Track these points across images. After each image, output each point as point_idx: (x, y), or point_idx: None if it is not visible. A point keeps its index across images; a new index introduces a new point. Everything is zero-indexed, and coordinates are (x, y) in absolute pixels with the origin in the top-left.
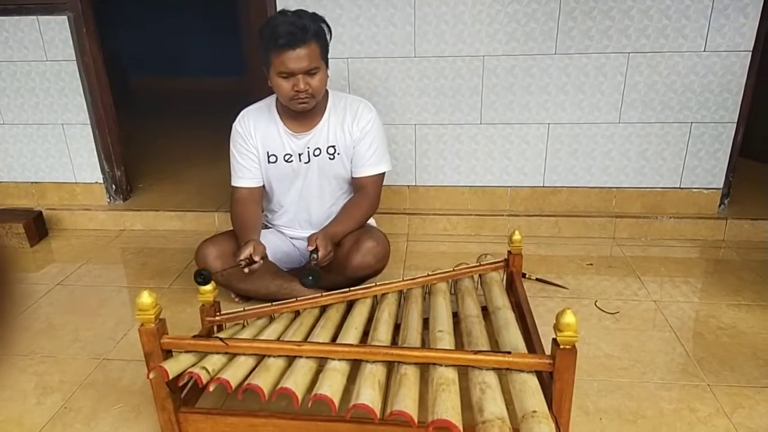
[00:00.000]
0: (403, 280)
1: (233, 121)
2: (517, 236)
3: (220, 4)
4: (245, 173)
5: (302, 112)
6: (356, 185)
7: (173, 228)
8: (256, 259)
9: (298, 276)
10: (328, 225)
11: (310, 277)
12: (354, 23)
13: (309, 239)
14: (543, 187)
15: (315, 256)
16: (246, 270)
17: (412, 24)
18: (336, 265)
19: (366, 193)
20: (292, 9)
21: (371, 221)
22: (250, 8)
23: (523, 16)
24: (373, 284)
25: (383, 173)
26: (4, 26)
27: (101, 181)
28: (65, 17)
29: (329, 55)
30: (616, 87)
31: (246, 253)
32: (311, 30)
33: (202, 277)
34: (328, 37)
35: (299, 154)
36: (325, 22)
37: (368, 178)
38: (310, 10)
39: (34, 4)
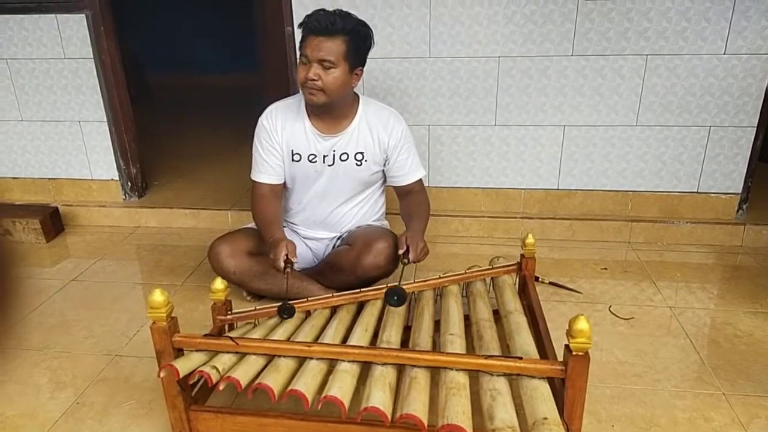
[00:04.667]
0: (415, 282)
1: (249, 118)
2: (530, 239)
3: (236, 1)
4: (267, 169)
5: (330, 113)
6: (404, 191)
7: (187, 225)
8: (294, 260)
9: (385, 294)
10: (409, 226)
11: (395, 297)
12: (369, 23)
13: (400, 241)
14: (557, 189)
15: (406, 260)
16: (288, 272)
17: (428, 24)
18: (347, 266)
19: (418, 193)
20: (310, 9)
21: (385, 223)
22: (265, 6)
23: (540, 17)
24: (385, 285)
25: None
26: (23, 24)
27: (117, 178)
28: (83, 15)
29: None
30: (633, 89)
31: (282, 256)
32: (338, 25)
33: (287, 312)
34: (362, 43)
35: (324, 156)
36: (364, 28)
37: (414, 183)
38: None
39: (53, 2)
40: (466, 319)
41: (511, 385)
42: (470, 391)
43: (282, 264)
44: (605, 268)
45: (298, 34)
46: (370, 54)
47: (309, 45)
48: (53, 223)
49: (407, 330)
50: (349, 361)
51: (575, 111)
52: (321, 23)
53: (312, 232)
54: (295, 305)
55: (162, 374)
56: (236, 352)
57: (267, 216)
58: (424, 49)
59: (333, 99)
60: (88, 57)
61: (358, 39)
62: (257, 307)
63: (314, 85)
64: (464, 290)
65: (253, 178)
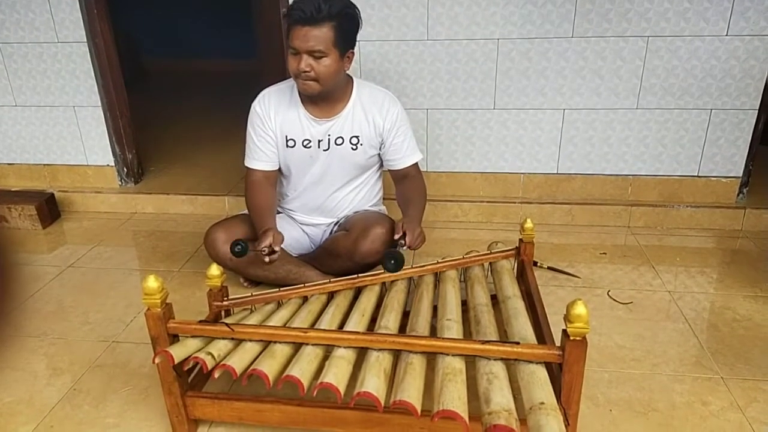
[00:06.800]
0: (413, 267)
1: (246, 104)
2: (529, 224)
3: None
4: (261, 156)
5: (323, 98)
6: (399, 175)
7: (184, 211)
8: (276, 249)
9: (382, 261)
10: (407, 213)
11: (392, 261)
12: (365, 4)
13: (397, 227)
14: (557, 174)
15: (403, 242)
16: (267, 259)
17: (425, 6)
18: (344, 251)
19: (414, 177)
20: None
21: (382, 208)
22: None
23: None
24: (383, 271)
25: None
26: (15, 7)
27: (113, 164)
28: None
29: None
30: (634, 72)
31: (266, 242)
32: (325, 12)
33: (240, 247)
34: (350, 25)
35: (318, 141)
36: (350, 9)
37: (410, 167)
38: None
39: None
40: (464, 304)
41: (509, 369)
42: (467, 375)
43: (263, 248)
44: (604, 253)
45: None
46: (367, 37)
47: (296, 36)
48: (49, 209)
49: (406, 315)
50: (345, 347)
51: (575, 94)
52: (306, 12)
53: (309, 218)
54: (293, 291)
55: (157, 360)
56: (232, 338)
57: (259, 205)
58: (422, 32)
59: (327, 87)
60: (81, 41)
61: (345, 22)
62: (253, 294)
63: (308, 76)
64: (462, 275)
65: (247, 164)
